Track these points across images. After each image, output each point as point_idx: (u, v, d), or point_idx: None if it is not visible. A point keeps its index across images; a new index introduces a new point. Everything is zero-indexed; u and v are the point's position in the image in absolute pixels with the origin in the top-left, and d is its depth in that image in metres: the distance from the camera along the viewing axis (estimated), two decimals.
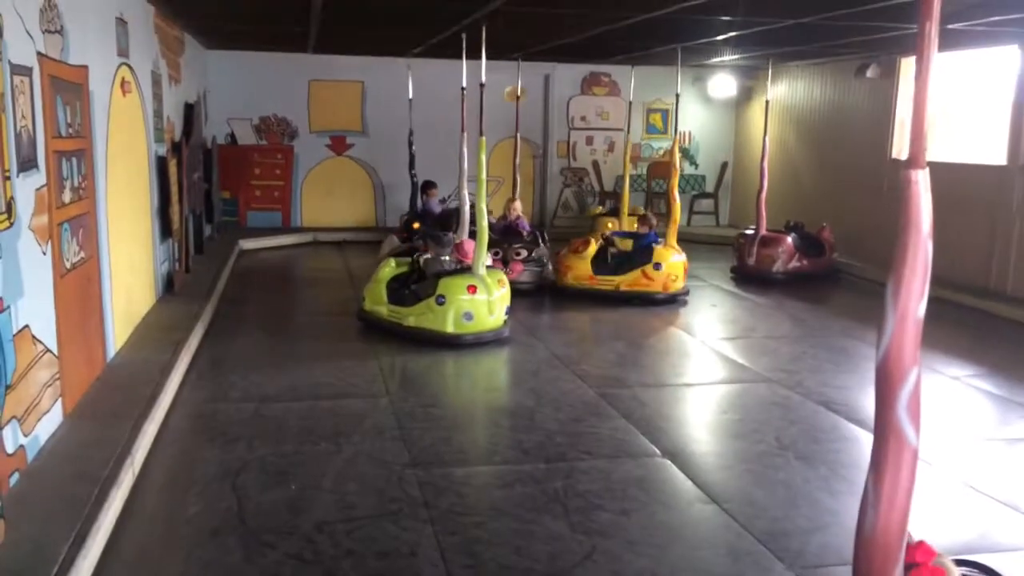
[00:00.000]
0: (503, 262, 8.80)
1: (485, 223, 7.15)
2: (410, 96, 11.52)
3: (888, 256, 1.84)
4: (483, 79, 7.75)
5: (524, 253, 9.02)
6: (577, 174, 14.32)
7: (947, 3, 1.73)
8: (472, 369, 6.55)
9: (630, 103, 11.46)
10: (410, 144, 11.63)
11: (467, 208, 8.07)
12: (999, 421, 5.67)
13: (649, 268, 8.67)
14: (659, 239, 8.97)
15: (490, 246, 8.32)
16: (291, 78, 12.95)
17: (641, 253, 8.83)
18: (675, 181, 9.27)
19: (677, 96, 9.73)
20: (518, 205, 10.06)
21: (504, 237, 9.23)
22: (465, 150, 8.06)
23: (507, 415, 5.34)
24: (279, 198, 13.34)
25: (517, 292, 8.26)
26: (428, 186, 11.10)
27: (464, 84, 7.89)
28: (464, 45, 7.95)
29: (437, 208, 10.86)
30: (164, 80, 8.39)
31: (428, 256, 7.35)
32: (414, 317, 7.06)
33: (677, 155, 9.50)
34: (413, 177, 11.54)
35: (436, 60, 11.91)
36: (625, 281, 8.76)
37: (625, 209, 10.84)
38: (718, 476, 4.51)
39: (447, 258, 7.35)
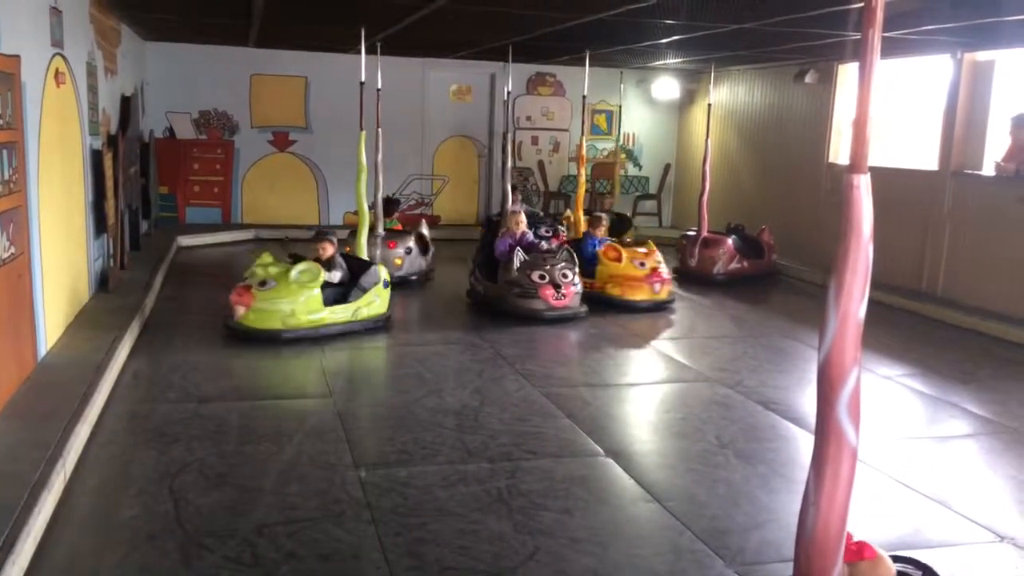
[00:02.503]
0: (554, 287, 7.72)
1: (366, 206, 8.31)
2: (508, 93, 10.52)
3: (826, 258, 1.88)
4: (363, 76, 8.04)
5: (570, 275, 7.87)
6: (522, 174, 14.35)
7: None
8: (416, 369, 6.51)
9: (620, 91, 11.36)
10: (504, 148, 11.42)
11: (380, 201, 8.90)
12: (929, 420, 5.84)
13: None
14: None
15: (530, 267, 7.75)
16: (232, 72, 12.72)
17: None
18: (581, 192, 9.32)
19: (584, 99, 9.71)
20: (523, 218, 8.51)
21: (544, 258, 7.96)
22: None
23: (451, 415, 5.32)
24: (219, 194, 13.09)
25: (567, 321, 7.77)
26: (513, 189, 10.81)
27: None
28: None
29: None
30: (100, 72, 8.18)
31: (332, 254, 7.39)
32: (366, 308, 7.22)
33: (583, 162, 9.53)
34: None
35: (386, 57, 11.79)
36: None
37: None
38: (660, 475, 4.56)
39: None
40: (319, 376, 6.01)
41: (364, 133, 7.79)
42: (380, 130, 9.23)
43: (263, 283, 6.80)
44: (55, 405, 4.70)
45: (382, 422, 5.17)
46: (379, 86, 8.88)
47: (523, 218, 8.42)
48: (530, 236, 8.38)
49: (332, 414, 5.20)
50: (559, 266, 7.84)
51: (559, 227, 10.13)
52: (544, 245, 8.35)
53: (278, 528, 3.70)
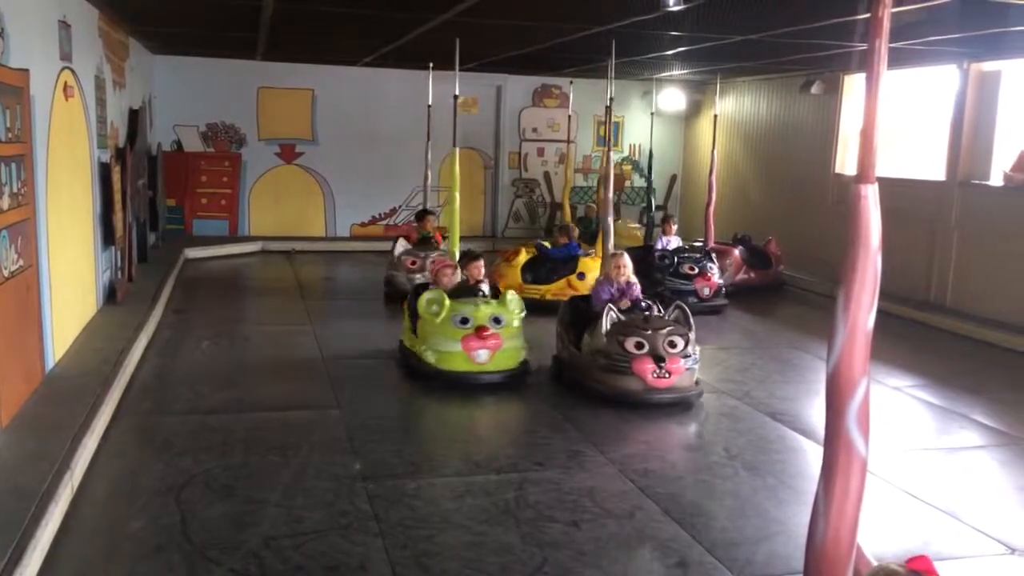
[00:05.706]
0: (655, 360, 5.64)
1: None
2: (654, 109, 9.56)
3: (833, 268, 1.88)
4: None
5: (681, 344, 5.80)
6: (528, 185, 14.37)
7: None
8: (422, 382, 6.50)
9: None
10: (649, 170, 11.00)
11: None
12: (938, 431, 5.81)
13: (573, 278, 8.83)
14: (579, 249, 9.26)
15: (622, 331, 5.80)
16: (240, 85, 12.78)
17: (566, 263, 9.04)
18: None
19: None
20: (627, 262, 6.51)
21: (644, 319, 5.96)
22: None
23: (458, 427, 5.31)
24: (226, 206, 13.13)
25: (664, 408, 5.71)
26: (666, 219, 10.57)
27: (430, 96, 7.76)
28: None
29: (672, 244, 10.11)
30: (108, 85, 8.22)
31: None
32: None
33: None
34: (652, 211, 11.02)
35: (389, 70, 11.87)
36: (551, 290, 8.82)
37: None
38: (669, 487, 4.53)
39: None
40: (326, 388, 6.00)
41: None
42: (430, 142, 9.22)
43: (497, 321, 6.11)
44: (63, 417, 4.70)
45: (389, 434, 5.16)
46: (430, 102, 8.69)
47: (627, 261, 6.48)
48: (638, 291, 6.41)
49: (339, 426, 5.20)
50: (665, 330, 5.82)
51: (709, 264, 9.23)
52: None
53: (285, 540, 3.69)
